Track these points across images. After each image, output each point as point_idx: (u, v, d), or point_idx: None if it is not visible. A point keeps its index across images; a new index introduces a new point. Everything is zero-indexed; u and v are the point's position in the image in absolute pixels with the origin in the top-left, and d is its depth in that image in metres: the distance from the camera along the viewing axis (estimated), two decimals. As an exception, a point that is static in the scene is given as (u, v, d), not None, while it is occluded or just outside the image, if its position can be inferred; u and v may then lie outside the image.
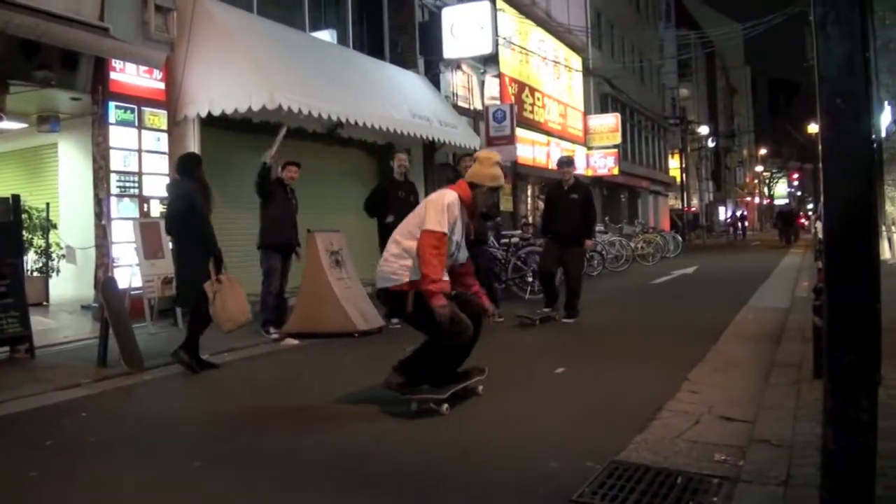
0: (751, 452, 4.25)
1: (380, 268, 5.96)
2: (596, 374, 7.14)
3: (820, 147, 2.86)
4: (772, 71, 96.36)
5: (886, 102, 23.09)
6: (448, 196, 5.88)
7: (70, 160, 12.94)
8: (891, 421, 4.26)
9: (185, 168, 7.89)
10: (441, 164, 18.96)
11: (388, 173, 11.29)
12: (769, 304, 11.95)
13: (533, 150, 25.34)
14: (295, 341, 9.39)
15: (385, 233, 10.51)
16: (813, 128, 45.78)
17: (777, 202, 78.68)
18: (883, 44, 23.47)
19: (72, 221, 12.64)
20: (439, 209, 5.76)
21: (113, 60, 10.74)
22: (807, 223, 53.41)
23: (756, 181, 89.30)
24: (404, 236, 5.88)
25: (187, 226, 7.59)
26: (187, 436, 5.43)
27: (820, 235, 11.36)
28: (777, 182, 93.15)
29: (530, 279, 13.77)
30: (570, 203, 10.75)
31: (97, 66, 10.74)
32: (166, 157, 11.50)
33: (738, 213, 60.97)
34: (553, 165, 20.34)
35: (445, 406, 5.66)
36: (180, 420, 5.96)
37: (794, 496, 3.51)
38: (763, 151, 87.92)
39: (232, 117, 11.97)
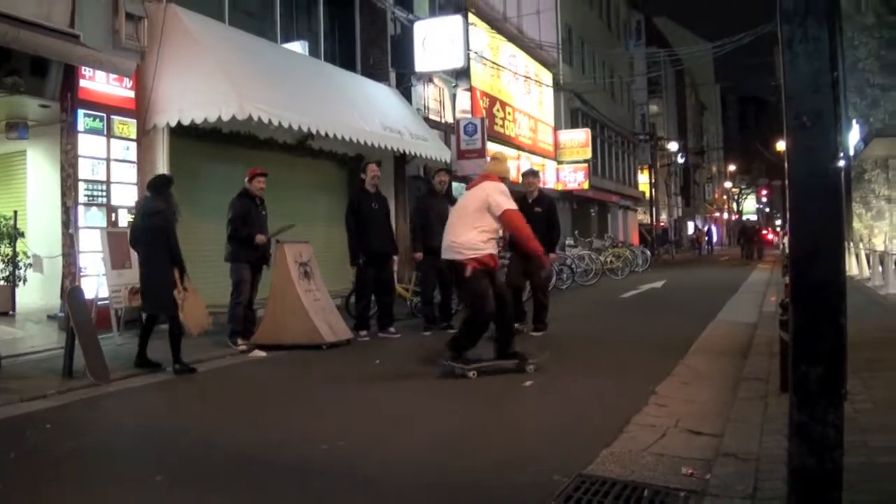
0: (717, 466, 4.26)
1: (454, 246, 7.80)
2: (564, 387, 7.14)
3: (786, 164, 2.89)
4: (741, 89, 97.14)
5: (854, 121, 23.46)
6: (501, 184, 7.97)
7: (38, 168, 12.80)
8: (857, 435, 4.30)
9: (158, 187, 8.46)
10: (413, 176, 18.96)
11: (360, 184, 11.22)
12: (737, 318, 12.05)
13: (504, 164, 25.35)
14: (262, 353, 9.32)
15: (359, 237, 10.56)
16: (781, 145, 46.11)
17: (746, 217, 79.00)
18: (851, 63, 23.89)
19: (39, 230, 12.48)
20: (503, 193, 7.87)
21: (83, 68, 10.62)
22: (774, 238, 53.80)
23: (725, 197, 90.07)
24: (470, 227, 7.77)
25: (158, 240, 8.11)
26: (150, 449, 5.38)
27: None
28: (746, 198, 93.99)
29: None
30: (535, 216, 10.67)
31: (67, 74, 10.63)
32: (135, 166, 11.40)
33: (704, 228, 61.08)
34: (523, 179, 20.39)
35: (473, 373, 7.47)
36: (144, 433, 5.91)
37: (760, 510, 3.52)
38: (732, 168, 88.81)
39: (202, 127, 11.89)
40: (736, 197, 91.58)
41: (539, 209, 10.80)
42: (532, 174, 11.34)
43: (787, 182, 2.89)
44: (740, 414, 5.43)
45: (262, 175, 9.95)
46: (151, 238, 8.14)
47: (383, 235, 10.89)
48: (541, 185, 11.39)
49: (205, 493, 4.31)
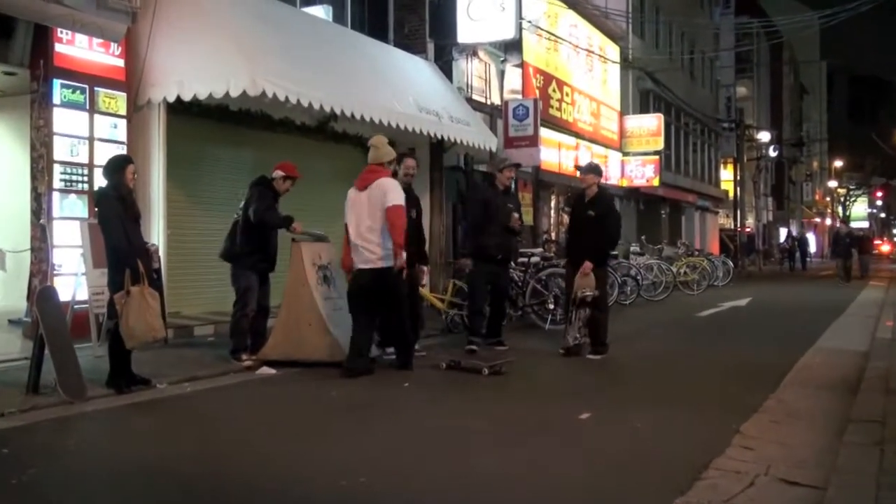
0: (820, 526, 4.16)
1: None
2: (628, 421, 7.05)
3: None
4: (854, 67, 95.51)
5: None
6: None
7: (1, 146, 12.89)
8: None
9: (105, 172, 8.33)
10: (451, 166, 18.90)
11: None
12: (843, 346, 11.87)
13: (559, 154, 25.29)
14: (272, 370, 9.28)
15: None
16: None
17: (854, 225, 77.19)
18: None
19: (1, 219, 12.55)
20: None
21: (59, 30, 10.64)
22: (891, 250, 52.48)
23: (828, 199, 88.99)
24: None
25: (104, 232, 8.02)
26: (132, 481, 5.35)
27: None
28: (854, 201, 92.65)
29: (551, 306, 13.55)
30: (586, 220, 10.62)
31: (38, 36, 10.64)
32: (124, 147, 11.36)
33: (796, 237, 59.85)
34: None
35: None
36: (125, 461, 5.86)
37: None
38: (838, 164, 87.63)
39: (206, 104, 11.95)
40: (842, 199, 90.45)
41: (591, 212, 10.59)
42: (587, 170, 11.08)
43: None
44: (849, 463, 5.29)
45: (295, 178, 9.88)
46: (101, 230, 8.12)
47: (414, 243, 10.54)
48: (602, 181, 10.98)
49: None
